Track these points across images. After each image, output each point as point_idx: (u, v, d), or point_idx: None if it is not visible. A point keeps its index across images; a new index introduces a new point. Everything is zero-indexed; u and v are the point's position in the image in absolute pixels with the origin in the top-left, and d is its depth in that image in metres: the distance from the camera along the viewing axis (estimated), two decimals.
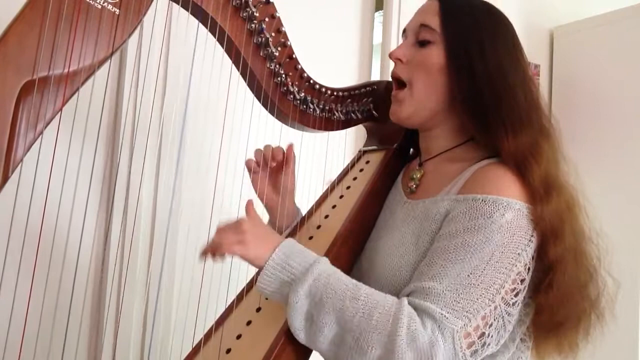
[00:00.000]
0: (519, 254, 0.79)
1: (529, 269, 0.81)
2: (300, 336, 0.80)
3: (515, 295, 0.80)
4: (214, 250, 0.84)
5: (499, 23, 0.94)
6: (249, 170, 1.07)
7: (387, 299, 0.78)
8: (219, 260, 0.85)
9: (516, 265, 0.79)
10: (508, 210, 0.80)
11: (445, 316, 0.75)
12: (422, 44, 0.93)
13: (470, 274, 0.77)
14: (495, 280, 0.78)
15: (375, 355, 0.75)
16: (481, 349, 0.78)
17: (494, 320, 0.78)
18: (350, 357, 0.76)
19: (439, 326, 0.75)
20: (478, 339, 0.77)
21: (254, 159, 1.06)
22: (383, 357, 0.75)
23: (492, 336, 0.78)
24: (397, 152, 1.09)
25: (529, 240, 0.81)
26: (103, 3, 0.74)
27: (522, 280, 0.81)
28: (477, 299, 0.76)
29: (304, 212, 1.09)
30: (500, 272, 0.78)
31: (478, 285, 0.77)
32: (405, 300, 0.78)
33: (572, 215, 0.86)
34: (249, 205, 0.88)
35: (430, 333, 0.74)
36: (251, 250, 0.82)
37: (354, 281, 0.81)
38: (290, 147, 1.06)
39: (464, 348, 0.76)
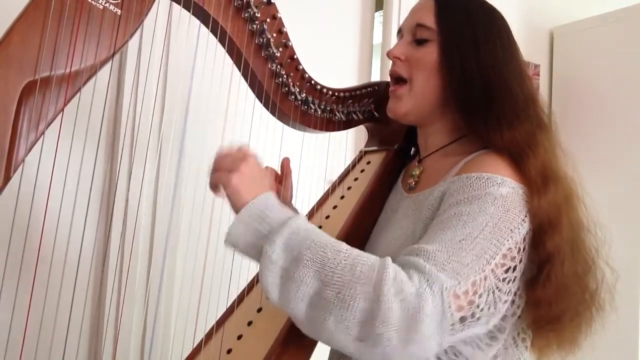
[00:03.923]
0: (511, 230, 0.78)
1: (519, 249, 0.80)
2: (274, 293, 0.74)
3: (505, 272, 0.78)
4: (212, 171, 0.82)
5: (493, 18, 0.94)
6: None
7: (369, 255, 0.75)
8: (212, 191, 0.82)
9: (508, 240, 0.78)
10: (503, 185, 0.80)
11: (434, 272, 0.72)
12: (420, 42, 0.93)
13: (463, 239, 0.76)
14: (486, 250, 0.76)
15: (359, 307, 0.69)
16: (470, 319, 0.74)
17: (484, 291, 0.75)
18: (331, 315, 0.70)
19: (427, 280, 0.71)
20: (467, 305, 0.73)
21: None
22: (367, 309, 0.69)
23: (482, 309, 0.75)
24: (398, 152, 1.09)
25: (522, 220, 0.80)
26: (105, 4, 0.74)
27: (513, 258, 0.79)
28: (468, 264, 0.74)
29: (305, 212, 1.09)
30: (492, 244, 0.77)
31: (469, 251, 0.75)
32: (388, 258, 0.74)
33: (569, 206, 0.86)
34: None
35: (418, 284, 0.70)
36: (235, 181, 0.79)
37: (335, 239, 0.78)
38: (286, 161, 1.05)
39: (453, 309, 0.71)
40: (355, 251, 0.75)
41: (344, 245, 0.76)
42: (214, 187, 0.83)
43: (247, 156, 0.82)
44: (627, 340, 1.95)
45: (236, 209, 0.79)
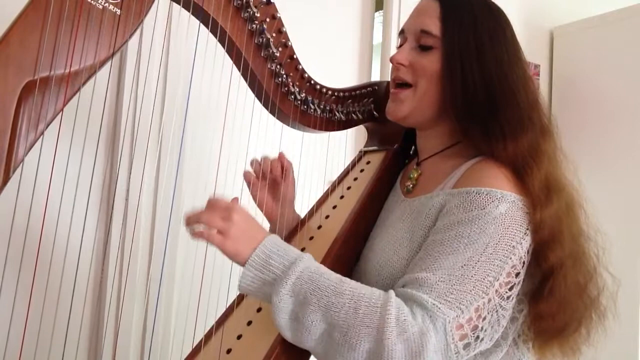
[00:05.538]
0: (513, 246, 0.79)
1: (524, 262, 0.80)
2: (287, 335, 0.78)
3: (510, 289, 0.79)
4: (193, 222, 0.79)
5: (499, 20, 0.93)
6: (248, 183, 1.06)
7: (373, 292, 0.77)
8: (195, 239, 0.80)
9: (511, 258, 0.78)
10: (502, 202, 0.80)
11: (437, 306, 0.73)
12: (424, 48, 0.92)
13: (464, 265, 0.76)
14: (489, 272, 0.77)
15: (365, 349, 0.73)
16: (474, 343, 0.76)
17: (488, 313, 0.77)
18: (340, 353, 0.75)
19: (430, 316, 0.73)
20: (471, 331, 0.75)
21: (251, 170, 1.06)
22: (372, 350, 0.73)
23: (485, 330, 0.77)
24: (397, 152, 1.09)
25: (524, 234, 0.80)
26: (104, 4, 0.74)
27: (517, 274, 0.80)
28: (471, 291, 0.75)
29: (304, 212, 1.09)
30: (495, 265, 0.77)
31: (472, 276, 0.76)
32: (392, 292, 0.76)
33: (571, 216, 0.86)
34: (235, 201, 0.84)
35: (421, 322, 0.73)
36: (230, 245, 0.79)
37: (338, 276, 0.79)
38: (282, 155, 1.05)
39: (456, 340, 0.74)
40: (358, 290, 0.77)
41: (347, 285, 0.78)
42: (188, 224, 0.81)
43: (235, 211, 0.80)
44: (627, 344, 1.95)
45: (240, 263, 0.80)
